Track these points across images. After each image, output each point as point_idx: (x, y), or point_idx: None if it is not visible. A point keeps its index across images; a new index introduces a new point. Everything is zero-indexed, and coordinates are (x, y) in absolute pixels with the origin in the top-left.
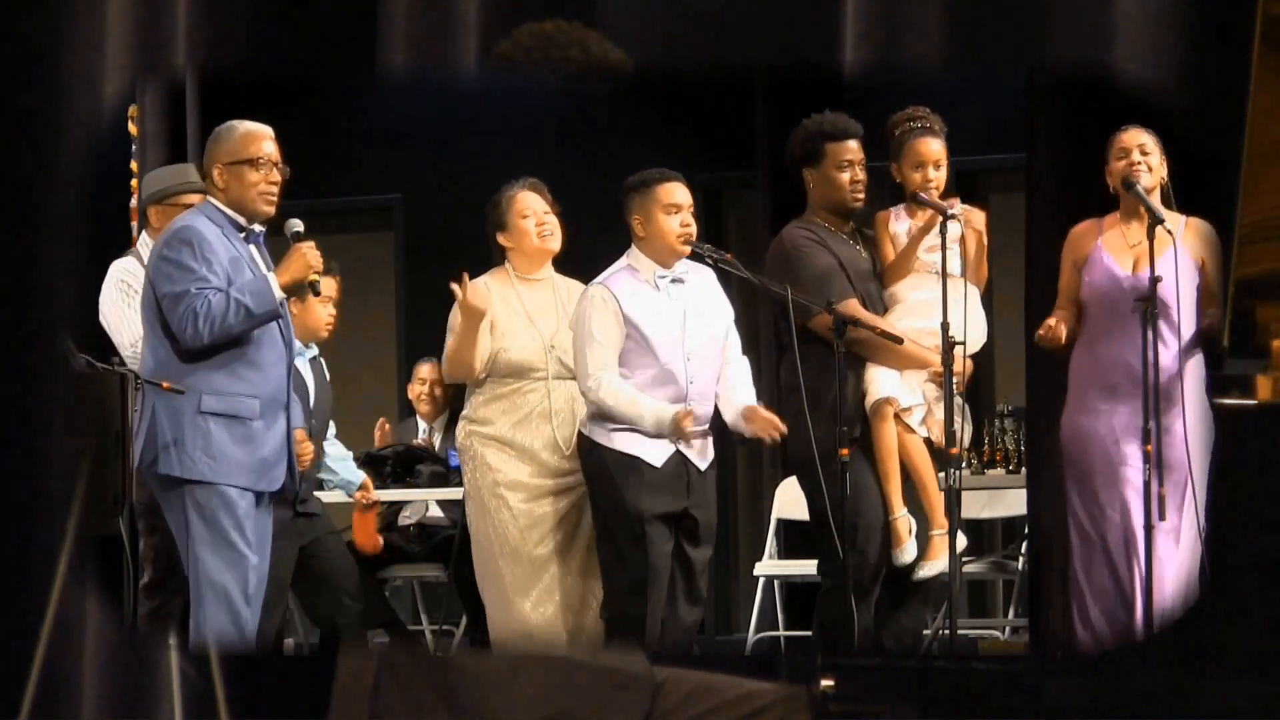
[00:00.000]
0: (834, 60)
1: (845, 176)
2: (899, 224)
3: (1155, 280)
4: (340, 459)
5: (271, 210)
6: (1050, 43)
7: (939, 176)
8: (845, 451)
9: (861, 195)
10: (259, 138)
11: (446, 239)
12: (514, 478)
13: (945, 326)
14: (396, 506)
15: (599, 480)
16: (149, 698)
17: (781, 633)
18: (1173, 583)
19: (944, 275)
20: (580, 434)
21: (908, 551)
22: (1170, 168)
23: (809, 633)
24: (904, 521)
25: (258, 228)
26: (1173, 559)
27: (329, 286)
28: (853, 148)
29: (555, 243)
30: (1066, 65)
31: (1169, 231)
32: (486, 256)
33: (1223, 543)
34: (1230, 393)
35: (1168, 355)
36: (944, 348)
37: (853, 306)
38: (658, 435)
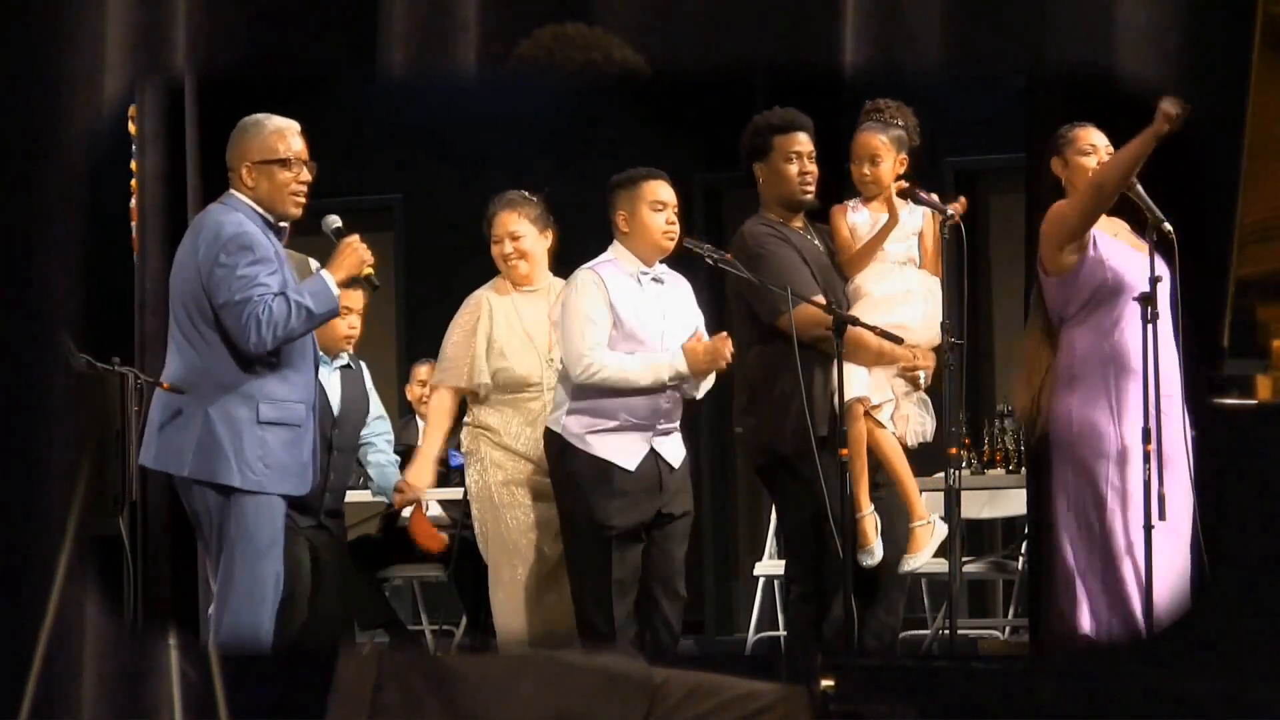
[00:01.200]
0: (834, 60)
1: (793, 169)
2: (856, 215)
3: (1155, 280)
4: (379, 465)
5: (300, 212)
6: (1050, 43)
7: (874, 171)
8: (845, 451)
9: (811, 188)
10: (288, 134)
11: (446, 239)
12: (522, 476)
13: (945, 327)
14: (396, 510)
15: (567, 488)
16: (149, 698)
17: (781, 632)
18: (1171, 581)
19: (944, 278)
20: (550, 431)
21: (874, 553)
22: (1170, 168)
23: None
24: (870, 520)
25: (282, 224)
26: (1171, 557)
27: (356, 299)
28: (801, 139)
29: (517, 275)
30: (1067, 65)
31: (1169, 231)
32: (486, 257)
33: (1222, 542)
34: (1230, 392)
35: (1166, 353)
36: (944, 347)
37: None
38: (673, 387)
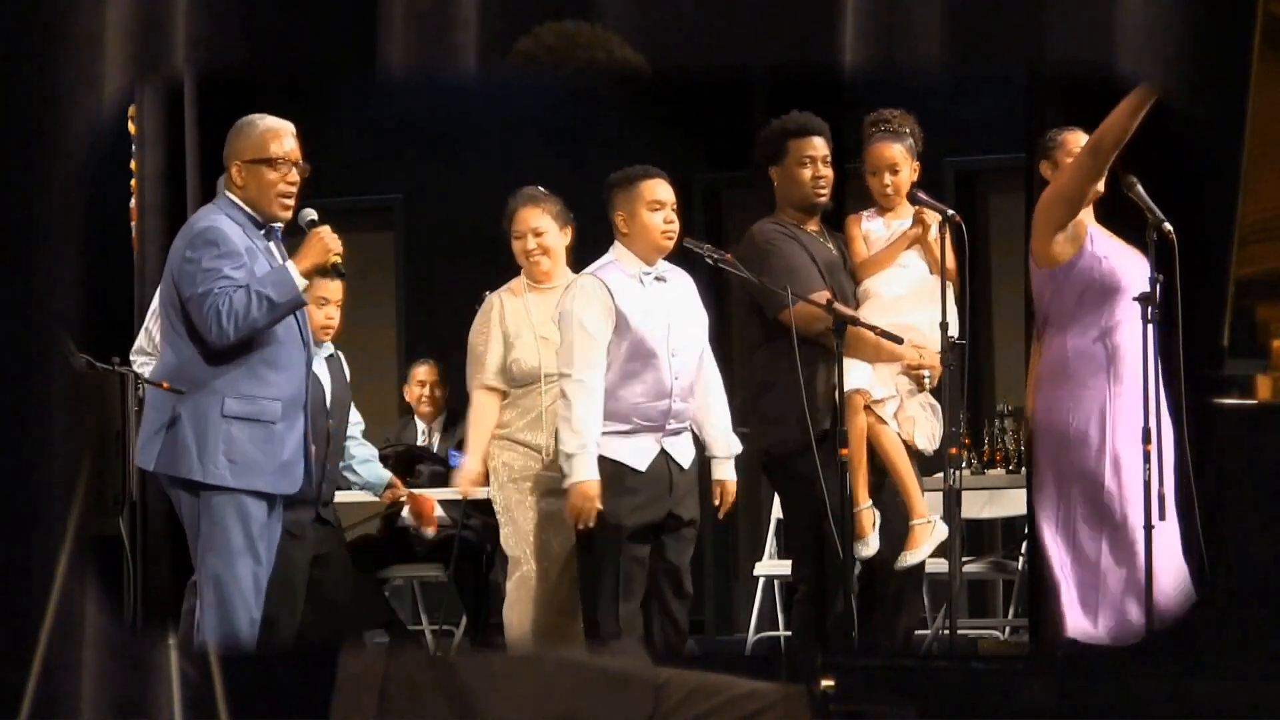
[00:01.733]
0: (834, 60)
1: (807, 173)
2: (870, 223)
3: (1155, 280)
4: (365, 460)
5: (288, 214)
6: (1050, 43)
7: (895, 180)
8: (845, 451)
9: (825, 191)
10: (279, 135)
11: (446, 239)
12: (532, 472)
13: (944, 327)
14: (397, 507)
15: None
16: (149, 698)
17: (781, 632)
18: (1169, 582)
19: (943, 277)
20: (559, 434)
21: (869, 545)
22: (1170, 168)
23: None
24: (868, 514)
25: (273, 224)
26: (1169, 558)
27: (334, 290)
28: (816, 144)
29: (539, 272)
30: (1066, 65)
31: (1169, 231)
32: (486, 257)
33: (1222, 543)
34: (1230, 392)
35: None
36: (943, 348)
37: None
38: (564, 458)
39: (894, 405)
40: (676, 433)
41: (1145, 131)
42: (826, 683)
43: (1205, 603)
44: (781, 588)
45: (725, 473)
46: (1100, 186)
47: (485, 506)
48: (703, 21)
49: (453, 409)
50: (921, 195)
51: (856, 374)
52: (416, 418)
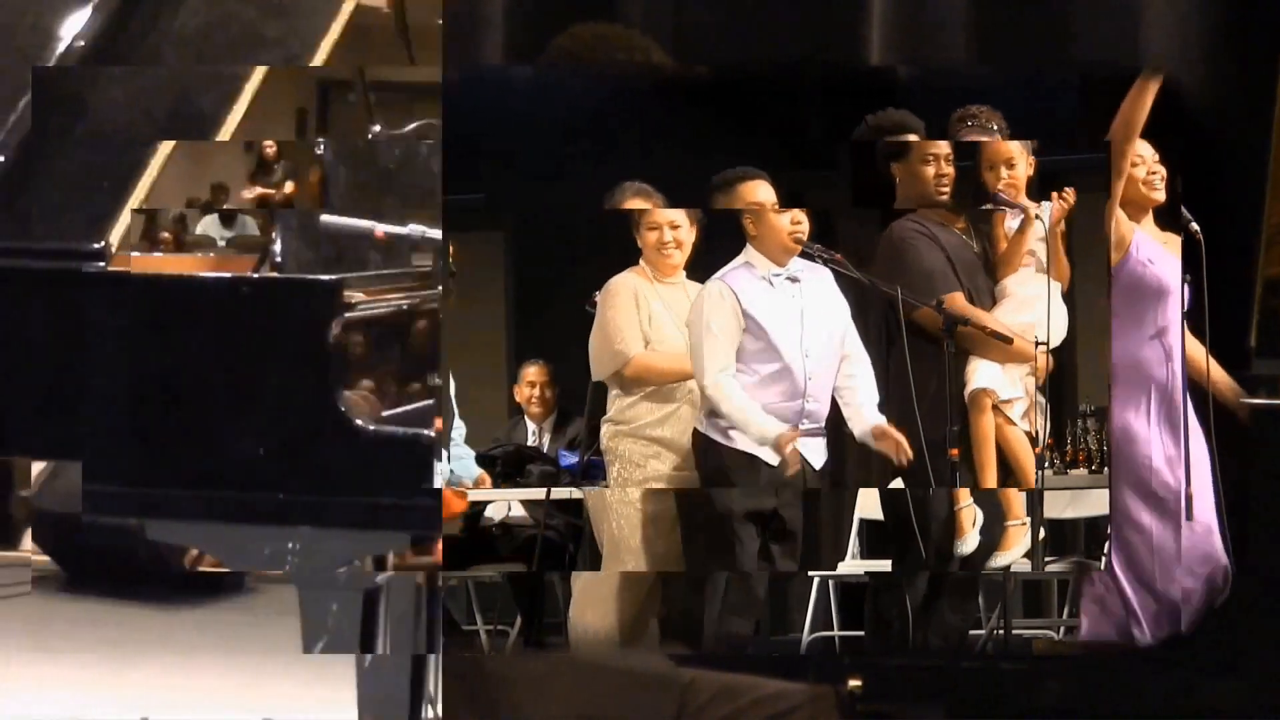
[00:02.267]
0: (858, 57)
1: (930, 171)
2: (1012, 220)
3: (1186, 280)
4: (458, 459)
5: None
6: (1077, 41)
7: (1012, 174)
8: (954, 452)
9: (946, 189)
10: None
11: (556, 237)
12: (660, 471)
13: (1035, 326)
14: (480, 506)
15: (713, 484)
16: None
17: (836, 633)
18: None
19: (1042, 276)
20: (695, 432)
21: (968, 542)
22: (1197, 167)
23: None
24: (968, 512)
25: None
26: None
27: None
28: (940, 144)
29: (668, 264)
30: (1120, 68)
31: (1196, 231)
32: (594, 253)
33: (1247, 543)
34: (1257, 392)
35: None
36: (1035, 344)
37: (958, 301)
38: (760, 445)
39: (1023, 406)
40: (811, 434)
41: (1172, 131)
42: (854, 683)
43: (1229, 603)
44: (836, 587)
45: (880, 420)
46: (1159, 196)
47: (568, 507)
48: (723, 20)
49: (563, 409)
50: (1001, 195)
51: (984, 373)
52: (526, 418)
